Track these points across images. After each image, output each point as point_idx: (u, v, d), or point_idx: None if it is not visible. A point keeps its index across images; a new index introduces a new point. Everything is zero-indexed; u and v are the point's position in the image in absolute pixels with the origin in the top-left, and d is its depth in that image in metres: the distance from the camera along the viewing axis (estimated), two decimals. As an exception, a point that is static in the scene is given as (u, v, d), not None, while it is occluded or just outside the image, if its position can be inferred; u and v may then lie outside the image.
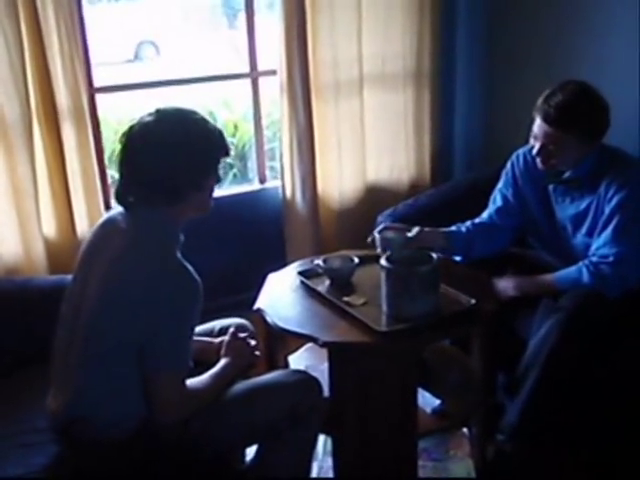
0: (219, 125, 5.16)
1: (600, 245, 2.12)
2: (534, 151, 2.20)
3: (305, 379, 1.82)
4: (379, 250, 2.17)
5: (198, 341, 1.94)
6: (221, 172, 1.76)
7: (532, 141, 2.21)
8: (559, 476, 2.15)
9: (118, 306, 1.57)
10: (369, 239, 2.24)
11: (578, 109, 2.11)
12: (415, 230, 2.25)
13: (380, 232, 2.23)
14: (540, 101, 2.15)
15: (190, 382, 1.66)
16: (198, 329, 1.99)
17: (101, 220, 1.77)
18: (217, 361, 1.82)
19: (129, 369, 1.61)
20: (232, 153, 4.57)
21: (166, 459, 1.65)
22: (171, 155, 1.61)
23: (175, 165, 1.61)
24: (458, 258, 2.38)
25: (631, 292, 2.09)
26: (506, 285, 2.24)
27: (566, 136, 2.11)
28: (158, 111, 1.67)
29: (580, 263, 2.14)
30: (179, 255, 1.65)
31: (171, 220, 1.68)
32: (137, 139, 1.64)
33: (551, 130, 2.12)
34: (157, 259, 1.59)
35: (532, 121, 2.19)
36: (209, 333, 2.00)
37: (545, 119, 2.12)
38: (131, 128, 1.66)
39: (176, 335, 1.60)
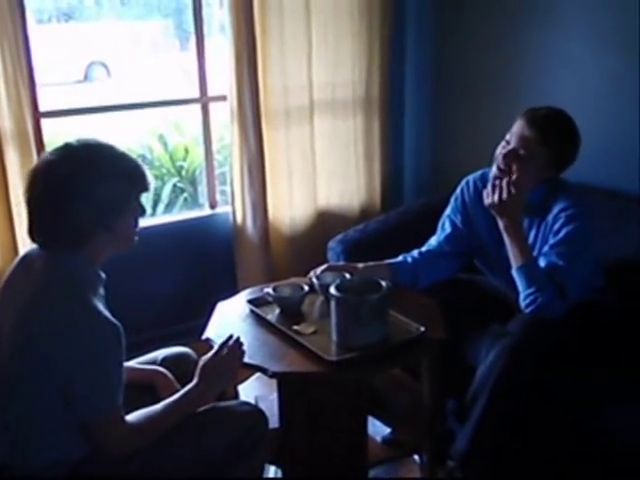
0: (170, 148, 5.06)
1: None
2: (502, 152, 2.19)
3: (251, 412, 1.79)
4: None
5: (144, 370, 1.90)
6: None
7: (501, 147, 2.20)
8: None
9: (30, 357, 1.50)
10: (309, 277, 2.23)
11: (562, 125, 2.16)
12: (360, 266, 2.28)
13: (322, 272, 2.22)
14: (526, 110, 2.18)
15: (137, 414, 1.62)
16: (142, 359, 1.97)
17: (19, 256, 1.70)
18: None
19: (56, 418, 1.54)
20: (176, 179, 4.54)
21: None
22: (71, 198, 1.53)
23: (77, 209, 1.53)
24: None
25: (575, 318, 2.13)
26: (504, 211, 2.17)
27: (540, 147, 2.12)
28: (65, 147, 1.59)
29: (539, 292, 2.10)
30: (96, 294, 1.58)
31: (85, 261, 1.60)
32: (38, 179, 1.56)
33: (530, 133, 2.12)
34: (66, 307, 1.51)
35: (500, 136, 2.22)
36: (152, 363, 1.95)
37: (529, 121, 2.13)
38: (36, 167, 1.58)
39: (98, 381, 1.53)
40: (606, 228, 2.41)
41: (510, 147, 2.18)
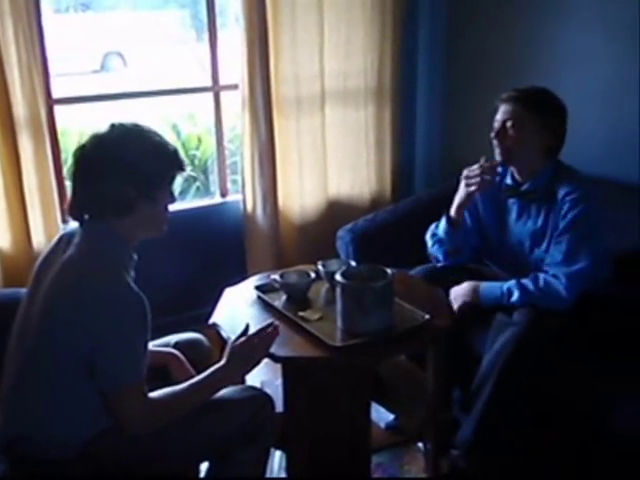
0: (183, 137, 5.07)
1: (551, 262, 2.17)
2: (492, 134, 2.25)
3: (257, 396, 1.80)
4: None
5: (159, 352, 1.92)
6: (176, 192, 1.75)
7: (493, 132, 2.25)
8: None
9: (58, 324, 1.55)
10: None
11: (539, 94, 2.23)
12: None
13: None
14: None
15: (161, 391, 1.64)
16: (153, 343, 1.99)
17: (57, 235, 1.76)
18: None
19: (74, 391, 1.58)
20: (189, 169, 4.56)
21: (115, 478, 1.62)
22: (121, 166, 1.60)
23: (125, 175, 1.61)
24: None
25: (582, 308, 2.13)
26: (457, 294, 2.28)
27: (526, 113, 2.17)
28: (113, 126, 1.66)
29: (511, 282, 2.18)
30: (127, 273, 1.63)
31: (121, 237, 1.65)
32: (88, 152, 1.64)
33: (510, 106, 2.20)
34: (97, 276, 1.56)
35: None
36: (164, 347, 1.97)
37: (506, 99, 2.22)
38: (85, 143, 1.66)
39: (122, 350, 1.56)
40: (615, 220, 2.40)
41: (497, 125, 2.23)
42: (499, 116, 2.24)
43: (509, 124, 2.20)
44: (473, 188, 2.27)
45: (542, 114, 2.19)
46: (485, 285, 2.24)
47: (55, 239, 1.75)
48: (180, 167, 1.71)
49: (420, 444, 2.28)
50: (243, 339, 1.78)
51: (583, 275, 2.10)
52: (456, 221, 2.36)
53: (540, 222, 2.25)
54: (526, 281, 2.16)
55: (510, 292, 2.17)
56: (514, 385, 2.06)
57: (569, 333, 2.11)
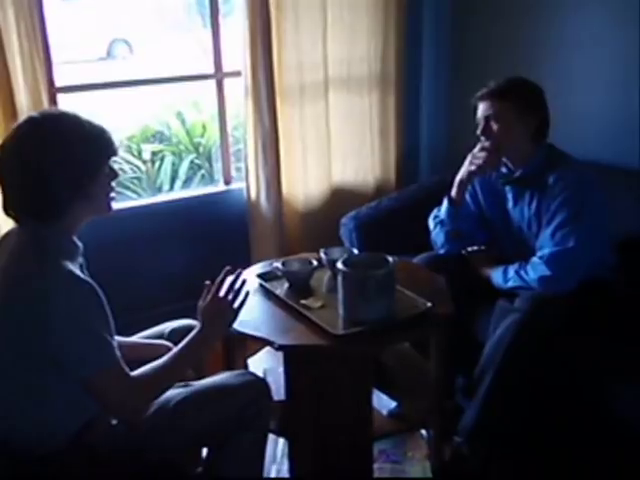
0: (187, 125, 5.06)
1: (540, 245, 2.18)
2: (478, 132, 2.28)
3: (252, 381, 1.80)
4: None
5: (150, 344, 1.92)
6: (116, 167, 1.67)
7: (479, 131, 2.28)
8: (516, 478, 2.17)
9: (10, 327, 1.51)
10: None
11: (510, 82, 2.26)
12: None
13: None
14: None
15: (142, 369, 1.61)
16: (149, 332, 1.99)
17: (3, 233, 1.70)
18: None
19: (46, 386, 1.55)
20: (193, 156, 4.55)
21: (109, 469, 1.61)
22: (44, 169, 1.52)
23: (50, 177, 1.53)
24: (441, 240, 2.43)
25: (584, 294, 2.12)
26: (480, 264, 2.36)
27: (503, 104, 2.21)
28: (30, 120, 1.58)
29: (510, 267, 2.22)
30: (72, 261, 1.56)
31: (58, 231, 1.59)
32: (7, 155, 1.56)
33: (487, 103, 2.25)
34: (38, 273, 1.49)
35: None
36: (159, 336, 1.96)
37: (481, 97, 2.27)
38: (4, 142, 1.59)
39: (85, 340, 1.51)
40: (622, 206, 2.39)
41: (481, 124, 2.27)
42: (480, 114, 2.28)
43: (491, 120, 2.23)
44: (473, 168, 2.30)
45: (517, 99, 2.21)
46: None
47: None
48: (110, 151, 1.63)
49: (423, 431, 2.29)
50: (208, 298, 1.75)
51: (569, 255, 2.11)
52: (457, 201, 2.38)
53: (534, 208, 2.26)
54: (517, 264, 2.20)
55: (506, 271, 2.22)
56: (516, 371, 2.06)
57: (572, 319, 2.10)
